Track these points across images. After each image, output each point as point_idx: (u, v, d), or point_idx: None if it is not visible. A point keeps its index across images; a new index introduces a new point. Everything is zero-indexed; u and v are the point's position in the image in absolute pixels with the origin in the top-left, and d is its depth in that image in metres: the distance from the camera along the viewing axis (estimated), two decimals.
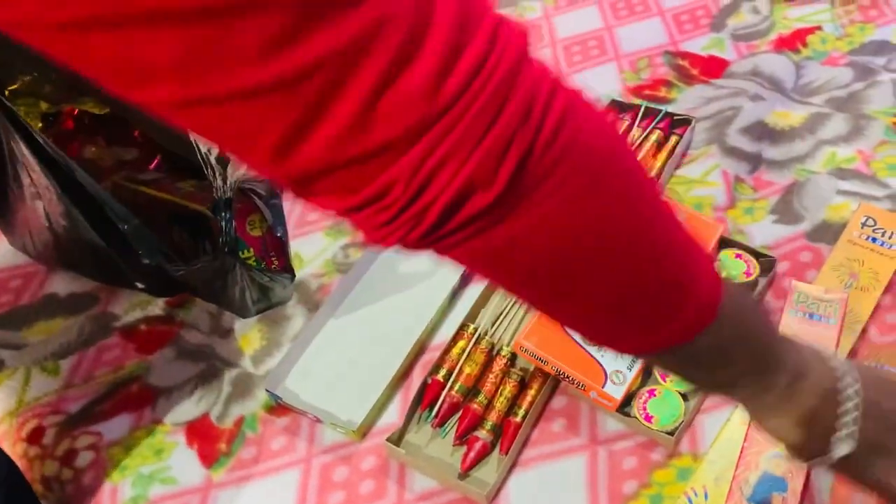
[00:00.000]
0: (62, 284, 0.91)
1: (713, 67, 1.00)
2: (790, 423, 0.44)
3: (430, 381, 0.74)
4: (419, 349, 0.78)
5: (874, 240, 0.77)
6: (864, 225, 0.78)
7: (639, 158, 0.85)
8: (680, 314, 0.39)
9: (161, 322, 0.86)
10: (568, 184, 0.34)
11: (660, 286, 0.38)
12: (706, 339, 0.39)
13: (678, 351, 0.40)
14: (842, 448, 0.43)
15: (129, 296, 0.89)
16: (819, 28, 1.02)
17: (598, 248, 0.36)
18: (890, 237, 0.77)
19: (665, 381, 0.71)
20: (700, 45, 1.03)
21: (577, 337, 0.71)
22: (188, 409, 0.78)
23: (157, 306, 0.87)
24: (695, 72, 1.00)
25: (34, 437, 0.78)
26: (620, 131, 0.74)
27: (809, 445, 0.45)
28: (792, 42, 1.01)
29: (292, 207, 0.94)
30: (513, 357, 0.75)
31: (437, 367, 0.75)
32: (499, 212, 0.33)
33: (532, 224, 0.34)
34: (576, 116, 0.33)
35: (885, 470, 0.45)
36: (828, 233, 0.80)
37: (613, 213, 0.36)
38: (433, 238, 0.34)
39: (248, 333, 0.83)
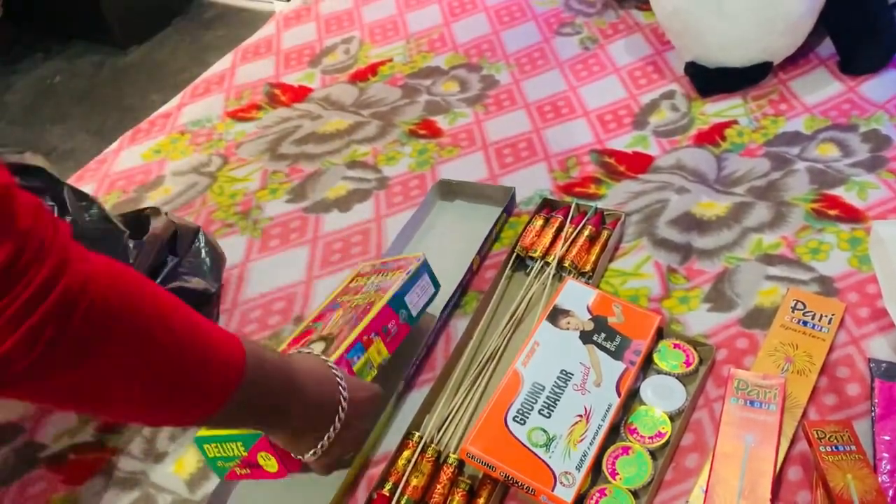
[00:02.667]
0: None
1: (638, 163, 1.04)
2: (288, 441, 0.66)
3: (375, 496, 0.71)
4: (363, 462, 0.76)
5: (805, 323, 0.79)
6: (794, 309, 0.80)
7: (574, 250, 0.87)
8: (201, 404, 0.54)
9: (91, 449, 0.82)
10: (99, 346, 0.47)
11: (181, 391, 0.53)
12: (228, 410, 0.55)
13: (208, 420, 0.57)
14: (308, 458, 0.66)
15: (58, 422, 0.84)
16: (735, 122, 1.08)
17: (131, 379, 0.50)
18: (820, 320, 0.79)
19: (615, 479, 0.70)
20: (624, 142, 1.08)
21: (524, 439, 0.70)
22: None
23: (87, 432, 0.83)
24: (621, 168, 1.04)
25: None
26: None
27: (295, 452, 0.67)
28: (711, 136, 1.06)
29: (229, 319, 0.92)
30: (461, 464, 0.73)
31: (382, 481, 0.72)
32: (43, 371, 0.45)
33: (78, 376, 0.47)
34: (101, 296, 0.46)
35: (324, 468, 0.70)
36: (761, 318, 0.82)
37: (138, 356, 0.50)
38: None
39: (184, 456, 0.79)
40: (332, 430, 0.65)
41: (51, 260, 0.44)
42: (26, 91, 1.62)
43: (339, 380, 0.67)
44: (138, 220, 0.86)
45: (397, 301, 0.79)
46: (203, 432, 0.70)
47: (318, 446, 0.66)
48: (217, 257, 0.93)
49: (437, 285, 0.85)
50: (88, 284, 0.46)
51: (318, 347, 0.74)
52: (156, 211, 0.88)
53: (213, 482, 0.76)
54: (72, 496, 0.77)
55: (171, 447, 0.80)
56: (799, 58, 1.13)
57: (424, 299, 0.83)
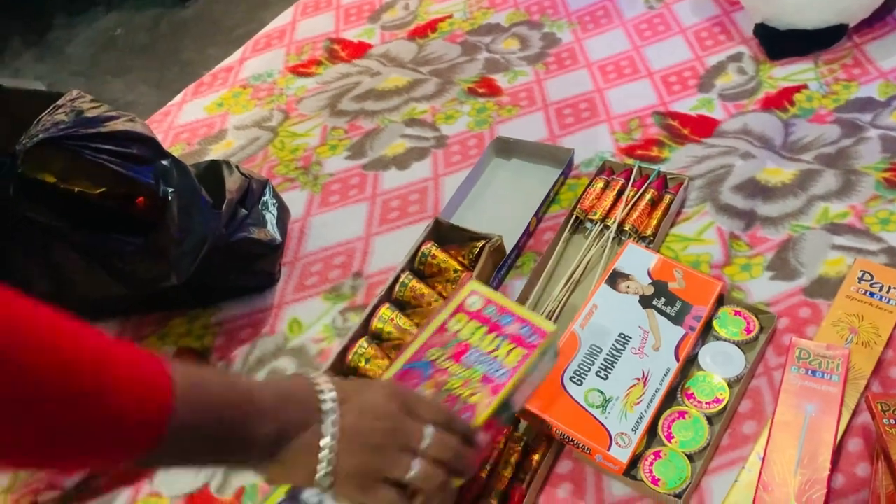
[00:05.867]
0: None
1: (703, 127, 1.02)
2: (282, 472, 0.53)
3: None
4: None
5: (872, 294, 0.78)
6: (861, 280, 0.79)
7: (635, 214, 0.86)
8: (131, 436, 0.45)
9: None
10: None
11: (90, 435, 0.44)
12: (169, 444, 0.46)
13: (145, 458, 0.46)
14: (324, 481, 0.52)
15: None
16: (805, 87, 1.04)
17: (19, 423, 0.41)
18: (888, 291, 0.77)
19: (670, 442, 0.70)
20: (689, 104, 1.06)
21: (580, 400, 0.71)
22: (187, 480, 0.76)
23: None
24: (685, 131, 1.02)
25: None
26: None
27: (301, 483, 0.53)
28: (779, 101, 1.03)
29: (291, 272, 0.94)
30: (516, 421, 0.74)
31: None
32: None
33: None
34: None
35: (358, 489, 0.53)
36: (825, 288, 0.81)
37: (26, 391, 0.41)
38: None
39: None
40: (325, 438, 0.52)
41: None
42: (88, 43, 1.65)
43: (317, 386, 0.54)
44: (212, 172, 0.88)
45: (504, 406, 0.60)
46: None
47: (321, 464, 0.52)
48: (283, 210, 0.95)
49: (555, 357, 0.65)
50: None
51: None
52: (227, 164, 0.90)
53: None
54: None
55: None
56: (875, 21, 1.09)
57: (537, 383, 0.64)
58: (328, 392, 0.53)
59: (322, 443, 0.51)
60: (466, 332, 0.63)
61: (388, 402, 0.54)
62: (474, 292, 0.65)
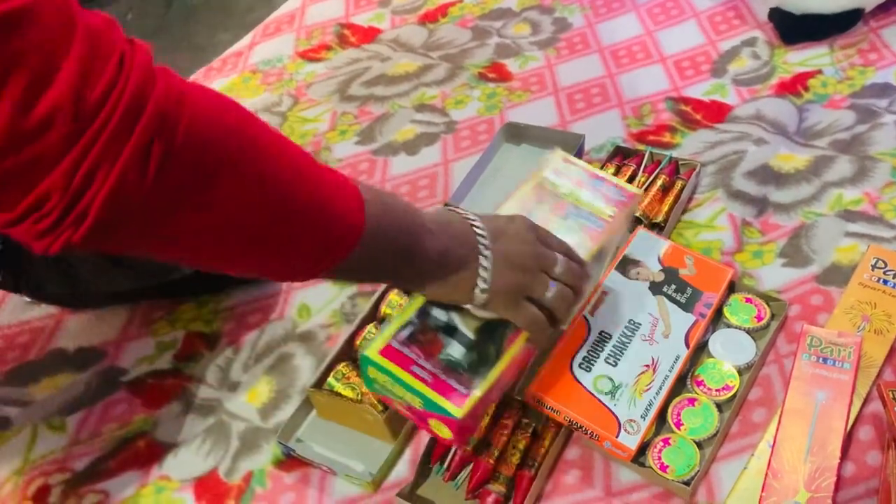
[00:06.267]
0: (70, 339, 0.91)
1: (716, 112, 1.01)
2: (443, 290, 0.59)
3: None
4: None
5: (885, 282, 0.77)
6: (874, 267, 0.78)
7: (646, 200, 0.85)
8: (331, 246, 0.50)
9: (168, 376, 0.85)
10: (212, 173, 0.42)
11: (311, 232, 0.49)
12: (357, 256, 0.52)
13: (337, 269, 0.52)
14: (481, 297, 0.59)
15: (137, 350, 0.88)
16: (819, 72, 1.03)
17: (255, 215, 0.46)
18: None
19: (679, 429, 0.70)
20: (702, 90, 1.04)
21: (589, 386, 0.70)
22: (196, 464, 0.77)
23: (165, 360, 0.87)
24: (698, 117, 1.01)
25: (40, 495, 0.77)
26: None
27: (460, 299, 0.60)
28: (793, 86, 1.02)
29: None
30: (524, 407, 0.74)
31: None
32: (155, 204, 0.40)
33: (192, 213, 0.42)
34: (203, 113, 0.41)
35: (509, 304, 0.61)
36: (838, 275, 0.80)
37: (243, 187, 0.44)
38: (98, 237, 0.39)
39: (256, 386, 0.82)
40: (482, 257, 0.58)
41: (136, 72, 0.39)
42: None
43: (467, 217, 0.60)
44: None
45: (599, 255, 0.70)
46: (375, 355, 0.60)
47: (479, 280, 0.58)
48: None
49: (629, 231, 0.76)
50: (185, 97, 0.41)
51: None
52: None
53: (285, 412, 0.79)
54: (151, 419, 0.81)
55: (245, 377, 0.83)
56: (892, 5, 1.07)
57: (617, 243, 0.73)
58: (480, 224, 0.60)
59: (481, 264, 0.58)
60: (564, 189, 0.71)
61: (528, 233, 0.62)
62: (561, 158, 0.73)
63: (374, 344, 0.60)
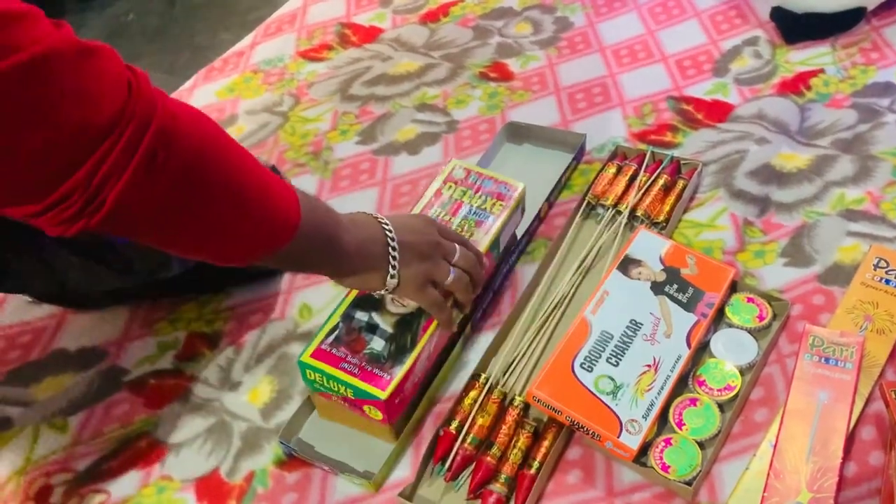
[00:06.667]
0: (72, 339, 0.91)
1: (717, 111, 1.01)
2: (359, 279, 0.69)
3: (441, 432, 0.73)
4: (431, 400, 0.78)
5: (888, 282, 0.77)
6: (876, 267, 0.78)
7: (648, 199, 0.85)
8: (276, 235, 0.59)
9: (170, 376, 0.85)
10: (195, 175, 0.52)
11: (256, 225, 0.58)
12: (292, 246, 0.60)
13: (275, 255, 0.60)
14: (391, 283, 0.68)
15: (139, 350, 0.88)
16: (821, 71, 1.03)
17: (222, 208, 0.55)
18: None
19: (681, 429, 0.70)
20: (703, 89, 1.04)
21: (591, 386, 0.70)
22: (198, 464, 0.77)
23: (167, 360, 0.87)
24: (699, 116, 1.01)
25: (42, 496, 0.77)
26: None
27: (374, 286, 0.69)
28: (795, 85, 1.02)
29: None
30: (526, 407, 0.74)
31: (449, 419, 0.74)
32: (152, 198, 0.50)
33: (181, 204, 0.52)
34: (188, 128, 0.51)
35: (415, 289, 0.70)
36: (840, 275, 0.80)
37: (218, 186, 0.54)
38: (108, 224, 0.49)
39: (258, 386, 0.82)
40: (391, 250, 0.67)
41: (142, 97, 0.48)
42: (100, 28, 1.65)
43: (378, 217, 0.70)
44: None
45: (495, 244, 0.81)
46: (308, 358, 0.71)
47: (390, 268, 0.68)
48: None
49: (522, 213, 0.86)
50: (176, 115, 0.50)
51: None
52: None
53: (287, 412, 0.79)
54: (153, 419, 0.81)
55: (246, 377, 0.83)
56: (894, 4, 1.07)
57: (512, 230, 0.84)
58: (388, 222, 0.69)
59: (391, 254, 0.68)
60: (458, 193, 0.83)
61: (428, 227, 0.73)
62: (457, 166, 0.86)
63: (306, 350, 0.72)
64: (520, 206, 0.84)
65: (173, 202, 0.52)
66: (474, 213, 0.81)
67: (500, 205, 0.82)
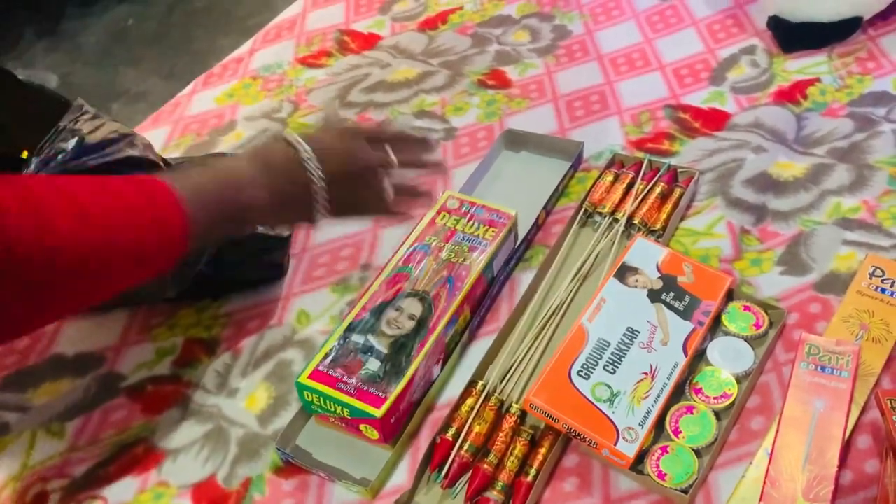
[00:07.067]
0: (69, 344, 0.91)
1: (714, 120, 1.01)
2: (287, 221, 0.75)
3: (438, 439, 0.73)
4: (428, 407, 0.78)
5: (883, 290, 0.77)
6: (872, 276, 0.78)
7: (644, 207, 0.85)
8: (175, 244, 0.59)
9: (167, 382, 0.85)
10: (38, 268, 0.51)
11: (140, 259, 0.58)
12: (195, 243, 0.60)
13: (182, 258, 0.60)
14: (323, 215, 0.68)
15: (136, 355, 0.88)
16: (818, 80, 1.03)
17: (94, 270, 0.55)
18: None
19: (678, 437, 0.70)
20: (701, 98, 1.05)
21: (588, 394, 0.70)
22: (194, 470, 0.77)
23: (164, 366, 0.87)
24: (697, 124, 1.01)
25: (38, 501, 0.76)
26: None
27: (307, 221, 0.69)
28: (792, 94, 1.02)
29: (299, 264, 0.94)
30: (522, 414, 0.74)
31: (446, 426, 0.74)
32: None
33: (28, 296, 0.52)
34: (36, 232, 0.50)
35: (353, 211, 0.72)
36: (836, 283, 0.80)
37: (78, 259, 0.53)
38: None
39: (255, 392, 0.82)
40: (314, 184, 0.66)
41: None
42: (100, 33, 1.65)
43: (296, 146, 0.66)
44: None
45: (488, 268, 0.82)
46: (305, 380, 0.73)
47: (317, 203, 0.67)
48: None
49: (515, 239, 0.88)
50: (7, 215, 0.49)
51: (414, 307, 0.78)
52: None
53: (284, 419, 0.79)
54: (150, 425, 0.81)
55: (243, 383, 0.83)
56: (890, 14, 1.08)
57: (505, 255, 0.86)
58: (308, 151, 0.65)
59: (315, 188, 0.66)
60: (451, 222, 0.86)
61: (354, 141, 0.69)
62: (451, 196, 0.89)
63: (304, 371, 0.73)
64: (512, 233, 0.86)
65: (34, 293, 0.52)
66: (467, 239, 0.83)
67: (493, 231, 0.84)
